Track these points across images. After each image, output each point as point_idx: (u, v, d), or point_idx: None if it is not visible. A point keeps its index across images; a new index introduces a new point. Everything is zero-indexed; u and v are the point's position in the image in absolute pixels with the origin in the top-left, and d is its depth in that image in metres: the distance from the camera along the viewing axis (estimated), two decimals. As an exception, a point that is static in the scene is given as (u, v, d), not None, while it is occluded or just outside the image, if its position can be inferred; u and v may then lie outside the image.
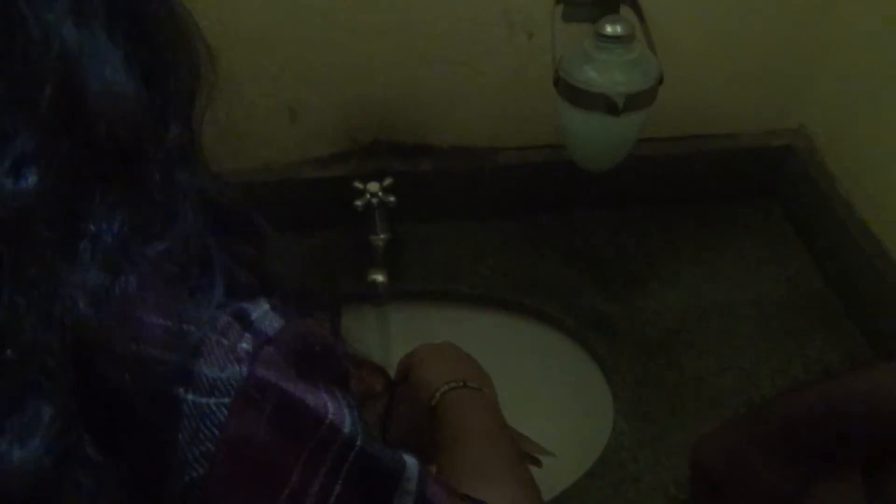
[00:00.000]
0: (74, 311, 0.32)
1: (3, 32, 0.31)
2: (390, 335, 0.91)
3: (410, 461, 0.44)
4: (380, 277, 0.86)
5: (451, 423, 0.66)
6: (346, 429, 0.40)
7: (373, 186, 0.91)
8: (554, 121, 0.86)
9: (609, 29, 0.76)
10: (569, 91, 0.78)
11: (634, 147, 0.85)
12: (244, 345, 0.37)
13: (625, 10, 0.84)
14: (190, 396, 0.35)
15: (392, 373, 0.75)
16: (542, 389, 0.88)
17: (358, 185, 0.91)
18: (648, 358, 0.86)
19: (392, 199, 0.91)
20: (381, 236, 0.94)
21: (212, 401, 0.36)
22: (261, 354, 0.37)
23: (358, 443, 0.40)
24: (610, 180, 0.93)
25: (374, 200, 0.91)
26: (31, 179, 0.32)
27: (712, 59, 0.95)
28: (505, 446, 0.64)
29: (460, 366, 0.72)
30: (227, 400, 0.36)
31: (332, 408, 0.39)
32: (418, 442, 0.72)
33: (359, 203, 0.91)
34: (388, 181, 0.92)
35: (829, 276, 0.94)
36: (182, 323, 0.35)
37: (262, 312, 0.39)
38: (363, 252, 0.94)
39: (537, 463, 0.74)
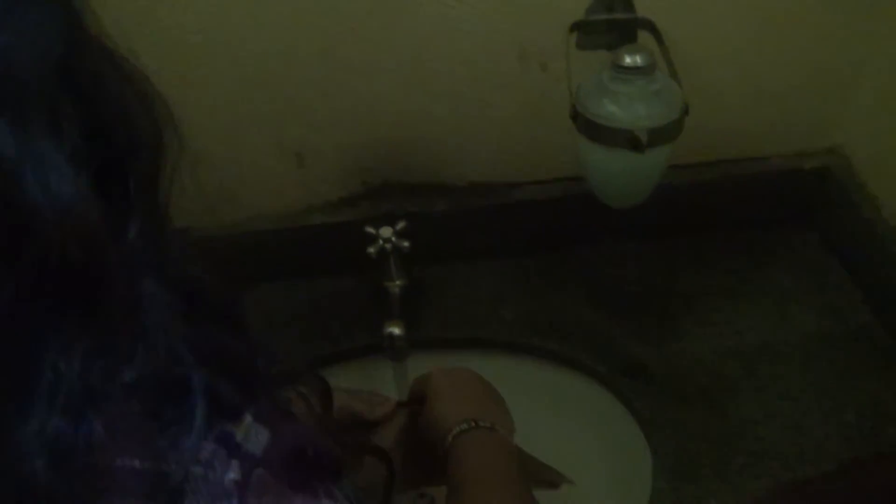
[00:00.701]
0: (30, 471, 0.28)
1: None
2: (408, 387, 0.86)
3: None
4: (396, 330, 0.81)
5: (461, 468, 0.62)
6: None
7: (385, 231, 0.86)
8: (574, 152, 0.81)
9: (628, 60, 0.70)
10: (588, 126, 0.73)
11: (659, 180, 0.79)
12: (231, 474, 0.33)
13: (643, 35, 0.79)
14: None
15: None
16: (572, 443, 0.82)
17: (370, 230, 0.87)
18: (688, 406, 0.80)
19: (406, 243, 0.87)
20: (397, 282, 0.89)
21: None
22: (251, 482, 0.33)
23: None
24: (635, 211, 0.86)
25: (388, 246, 0.87)
26: None
27: (737, 80, 0.89)
28: (518, 490, 0.60)
29: (473, 399, 0.68)
30: None
31: None
32: (428, 481, 0.69)
33: (372, 250, 0.86)
34: (401, 224, 0.87)
35: (878, 307, 0.88)
36: (160, 462, 0.31)
37: (245, 430, 0.35)
38: (378, 299, 0.89)
39: (554, 486, 0.70)
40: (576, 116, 0.74)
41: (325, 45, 0.82)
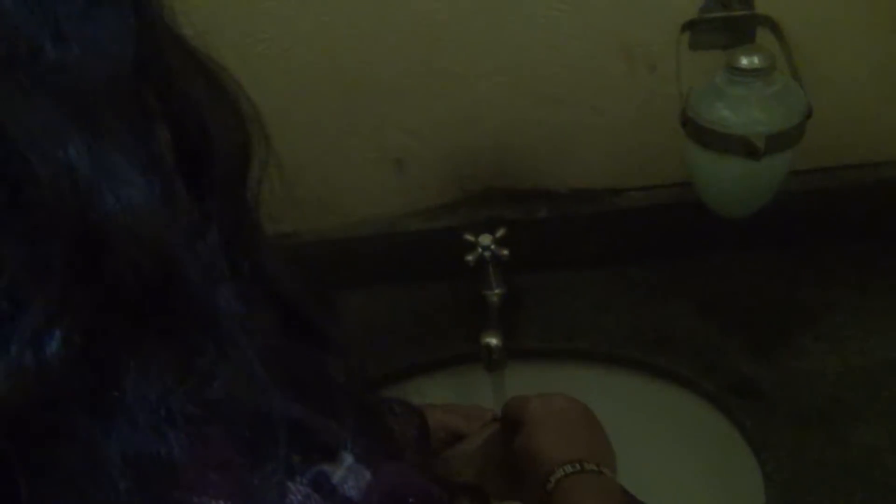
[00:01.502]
0: (113, 495, 0.27)
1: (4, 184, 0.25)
2: (506, 399, 0.84)
3: None
4: (494, 341, 0.80)
5: None
6: None
7: (485, 239, 0.85)
8: (682, 157, 0.77)
9: (745, 61, 0.66)
10: (699, 133, 0.69)
11: (778, 187, 0.74)
12: None
13: (762, 33, 0.74)
14: None
15: None
16: (676, 466, 0.78)
17: (469, 237, 0.86)
18: (805, 430, 0.74)
19: (506, 251, 0.85)
20: (496, 291, 0.88)
21: None
22: None
23: None
24: (751, 219, 0.81)
25: (487, 254, 0.85)
26: (54, 346, 0.26)
27: (867, 79, 0.83)
28: None
29: (577, 434, 0.61)
30: None
31: None
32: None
33: (470, 258, 0.85)
34: (500, 232, 0.85)
35: None
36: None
37: (344, 471, 0.33)
38: (476, 307, 0.88)
39: None
40: (686, 122, 0.70)
41: (426, 51, 0.82)
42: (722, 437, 0.78)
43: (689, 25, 0.74)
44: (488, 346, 0.80)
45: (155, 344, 0.29)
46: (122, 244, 0.28)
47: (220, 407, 0.30)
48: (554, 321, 0.89)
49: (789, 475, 0.71)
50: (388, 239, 0.92)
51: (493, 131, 0.88)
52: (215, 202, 0.32)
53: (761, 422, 0.76)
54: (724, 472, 0.77)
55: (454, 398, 0.87)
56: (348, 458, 0.33)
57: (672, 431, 0.82)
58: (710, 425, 0.79)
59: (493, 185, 0.91)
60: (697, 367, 0.82)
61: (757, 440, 0.74)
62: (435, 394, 0.86)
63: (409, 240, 0.92)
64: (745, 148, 0.66)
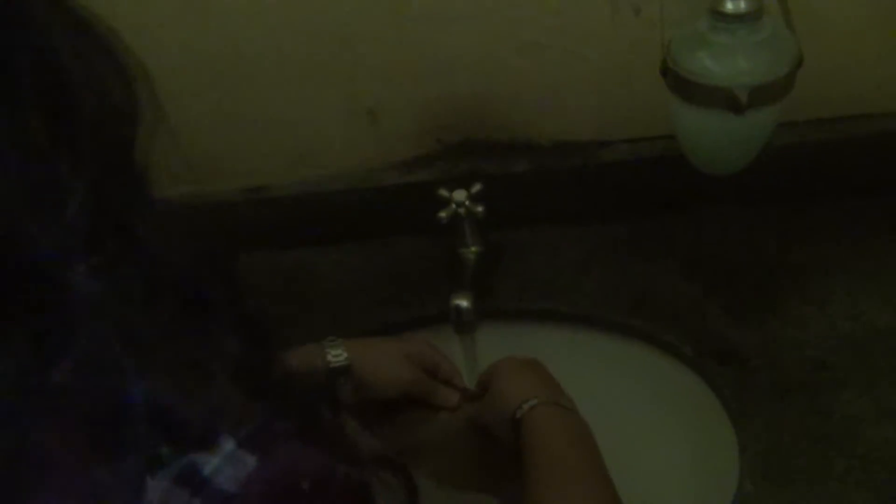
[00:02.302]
0: None
1: None
2: (477, 361, 0.82)
3: None
4: (464, 303, 0.77)
5: (541, 446, 0.56)
6: None
7: (459, 195, 0.81)
8: (668, 111, 0.72)
9: (730, 6, 0.61)
10: (680, 84, 0.64)
11: (765, 143, 0.70)
12: None
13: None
14: None
15: None
16: (651, 432, 0.76)
17: (443, 193, 0.82)
18: (786, 398, 0.71)
19: (480, 208, 0.81)
20: (472, 249, 0.85)
21: None
22: None
23: None
24: (739, 173, 0.77)
25: (462, 210, 0.81)
26: None
27: (868, 22, 0.77)
28: (606, 488, 0.53)
29: (552, 384, 0.62)
30: None
31: None
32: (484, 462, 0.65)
33: (443, 214, 0.81)
34: (476, 188, 0.81)
35: None
36: None
37: (221, 460, 0.30)
38: (453, 265, 0.85)
39: None
40: (666, 72, 0.65)
41: (395, -7, 0.77)
42: (700, 404, 0.75)
43: (676, -35, 0.69)
44: (458, 307, 0.77)
45: None
46: None
47: (67, 394, 0.27)
48: (532, 280, 0.85)
49: (766, 445, 0.68)
50: (361, 193, 0.88)
51: (470, 80, 0.83)
52: (83, 170, 0.29)
53: (741, 389, 0.73)
54: (701, 441, 0.75)
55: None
56: (228, 445, 0.30)
57: (649, 397, 0.79)
58: (689, 391, 0.76)
59: (470, 136, 0.87)
60: (678, 330, 0.79)
61: (735, 408, 0.71)
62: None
63: (383, 194, 0.88)
64: (728, 101, 0.61)
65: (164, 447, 0.29)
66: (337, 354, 0.64)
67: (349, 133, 0.87)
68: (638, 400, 0.78)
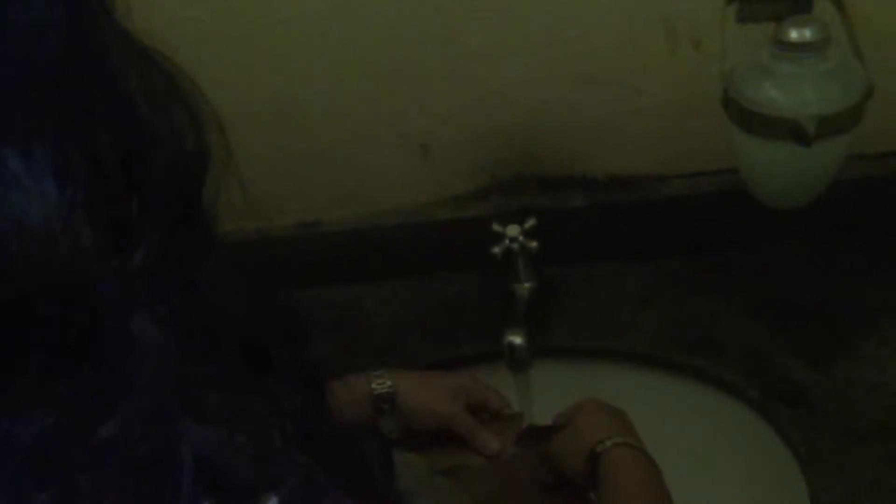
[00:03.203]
0: None
1: None
2: (532, 402, 0.79)
3: None
4: (517, 339, 0.75)
5: (618, 482, 0.59)
6: None
7: (512, 230, 0.80)
8: (730, 144, 0.70)
9: (794, 34, 0.59)
10: (743, 115, 0.62)
11: (838, 172, 0.67)
12: None
13: (820, 4, 0.66)
14: None
15: None
16: (714, 479, 0.72)
17: (497, 228, 0.80)
18: (861, 445, 0.67)
19: (534, 243, 0.80)
20: (526, 285, 0.83)
21: None
22: None
23: None
24: (807, 208, 0.74)
25: (515, 246, 0.80)
26: None
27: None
28: None
29: (634, 432, 0.64)
30: None
31: None
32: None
33: (497, 250, 0.80)
34: (529, 223, 0.80)
35: None
36: None
37: None
38: (506, 301, 0.83)
39: None
40: (728, 103, 0.63)
41: (449, 29, 0.77)
42: (767, 449, 0.71)
43: (737, -5, 0.67)
44: (511, 344, 0.75)
45: (38, 371, 0.25)
46: (6, 257, 0.24)
47: (113, 447, 0.26)
48: (588, 318, 0.83)
49: (839, 497, 0.64)
50: (414, 229, 0.88)
51: (524, 114, 0.82)
52: (154, 215, 0.28)
53: (811, 434, 0.69)
54: (768, 489, 0.71)
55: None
56: (271, 502, 0.28)
57: (711, 441, 0.75)
58: (755, 436, 0.72)
59: (524, 171, 0.86)
60: (743, 371, 0.75)
61: (805, 455, 0.68)
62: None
63: (435, 230, 0.88)
64: (794, 132, 0.59)
65: (206, 502, 0.27)
66: (381, 382, 0.67)
67: (402, 168, 0.87)
68: (700, 444, 0.74)
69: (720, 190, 0.82)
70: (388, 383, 0.67)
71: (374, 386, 0.67)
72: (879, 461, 0.66)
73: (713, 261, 0.85)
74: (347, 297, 0.91)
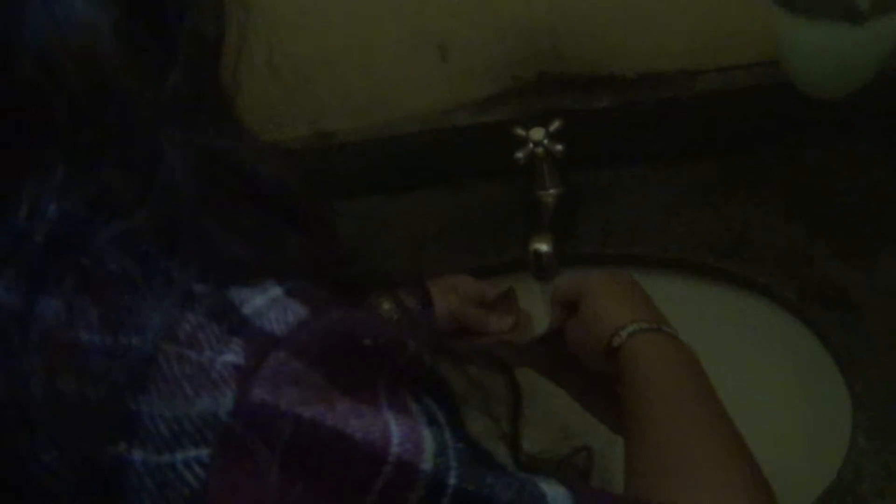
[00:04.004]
0: None
1: None
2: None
3: (556, 493, 0.30)
4: (543, 247, 0.72)
5: (644, 378, 0.48)
6: (427, 463, 0.27)
7: (536, 133, 0.76)
8: (768, 30, 0.65)
9: None
10: (787, -7, 0.57)
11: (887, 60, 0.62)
12: (229, 356, 0.25)
13: None
14: (138, 456, 0.24)
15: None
16: (752, 385, 0.70)
17: (520, 131, 0.77)
18: (904, 347, 0.65)
19: (560, 146, 0.76)
20: (551, 191, 0.80)
21: (177, 457, 0.24)
22: (262, 368, 0.25)
23: (451, 480, 0.27)
24: (849, 101, 0.69)
25: (539, 150, 0.76)
26: None
27: None
28: (726, 428, 0.45)
29: (651, 306, 0.55)
30: (202, 452, 0.24)
31: (399, 433, 0.27)
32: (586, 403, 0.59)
33: (520, 154, 0.76)
34: (555, 125, 0.76)
35: None
36: (119, 334, 0.25)
37: (265, 301, 0.27)
38: (531, 209, 0.80)
39: None
40: (771, -19, 0.58)
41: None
42: (805, 353, 0.69)
43: None
44: (537, 251, 0.72)
45: (74, 161, 0.26)
46: (43, 43, 0.25)
47: (122, 239, 0.26)
48: (616, 224, 0.80)
49: (882, 398, 0.62)
50: (433, 136, 0.84)
51: (547, 8, 0.77)
52: (178, 45, 0.29)
53: (851, 335, 0.66)
54: (808, 393, 0.69)
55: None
56: (275, 290, 0.27)
57: (748, 346, 0.73)
58: (792, 340, 0.70)
59: (547, 70, 0.81)
60: (779, 273, 0.72)
61: (845, 356, 0.65)
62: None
63: (456, 136, 0.84)
64: (845, 10, 0.54)
65: (199, 284, 0.26)
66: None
67: (418, 72, 0.82)
68: (736, 350, 0.72)
69: (755, 84, 0.78)
70: (386, 306, 0.64)
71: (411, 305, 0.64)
72: (924, 361, 0.63)
73: (747, 162, 0.81)
74: (364, 210, 0.88)
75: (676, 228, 0.78)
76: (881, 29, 0.55)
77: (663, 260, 0.77)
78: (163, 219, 0.26)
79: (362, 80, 0.83)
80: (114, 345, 0.25)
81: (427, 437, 0.27)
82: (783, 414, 0.70)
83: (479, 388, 0.39)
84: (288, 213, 0.31)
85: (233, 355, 0.25)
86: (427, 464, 0.27)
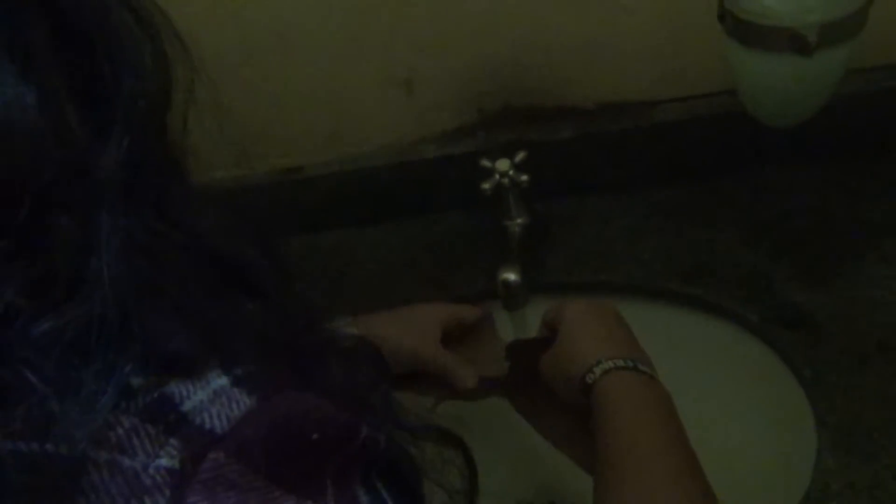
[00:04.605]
0: None
1: None
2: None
3: None
4: (512, 276, 0.73)
5: (613, 426, 0.48)
6: None
7: (502, 165, 0.77)
8: (724, 61, 0.67)
9: (793, -64, 0.55)
10: (740, 28, 0.59)
11: (835, 89, 0.64)
12: (163, 460, 0.24)
13: None
14: None
15: None
16: (719, 407, 0.71)
17: (486, 163, 0.78)
18: (864, 367, 0.66)
19: (525, 177, 0.77)
20: (518, 221, 0.81)
21: None
22: (198, 472, 0.24)
23: None
24: (802, 129, 0.71)
25: (505, 181, 0.77)
26: None
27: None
28: (692, 482, 0.45)
29: (628, 338, 0.55)
30: None
31: None
32: (556, 433, 0.58)
33: (487, 186, 0.77)
34: (520, 156, 0.77)
35: None
36: (46, 444, 0.23)
37: (208, 395, 0.26)
38: (498, 238, 0.81)
39: None
40: (724, 15, 0.60)
41: (427, -47, 0.73)
42: (770, 374, 0.70)
43: None
44: (506, 281, 0.73)
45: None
46: None
47: (51, 337, 0.24)
48: (583, 251, 0.81)
49: (845, 417, 0.63)
50: (401, 168, 0.85)
51: (509, 42, 0.79)
52: (124, 123, 0.27)
53: (813, 356, 0.68)
54: (773, 413, 0.70)
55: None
56: (220, 380, 0.26)
57: (714, 370, 0.74)
58: (757, 362, 0.71)
59: (512, 103, 0.83)
60: (742, 296, 0.74)
61: (808, 377, 0.66)
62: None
63: (423, 168, 0.85)
64: (794, 42, 0.56)
65: (137, 377, 0.25)
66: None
67: (386, 106, 0.83)
68: (703, 373, 0.73)
69: (713, 113, 0.80)
70: (354, 332, 0.62)
71: None
72: (882, 379, 0.65)
73: (708, 188, 0.83)
74: (334, 244, 0.89)
75: (641, 255, 0.79)
76: (829, 60, 0.58)
77: (629, 286, 0.78)
78: (97, 314, 0.25)
79: (330, 115, 0.84)
80: (40, 454, 0.23)
81: None
82: (750, 435, 0.71)
83: (434, 463, 0.38)
84: (244, 280, 0.30)
85: (167, 459, 0.24)
86: None
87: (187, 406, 0.25)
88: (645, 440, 0.47)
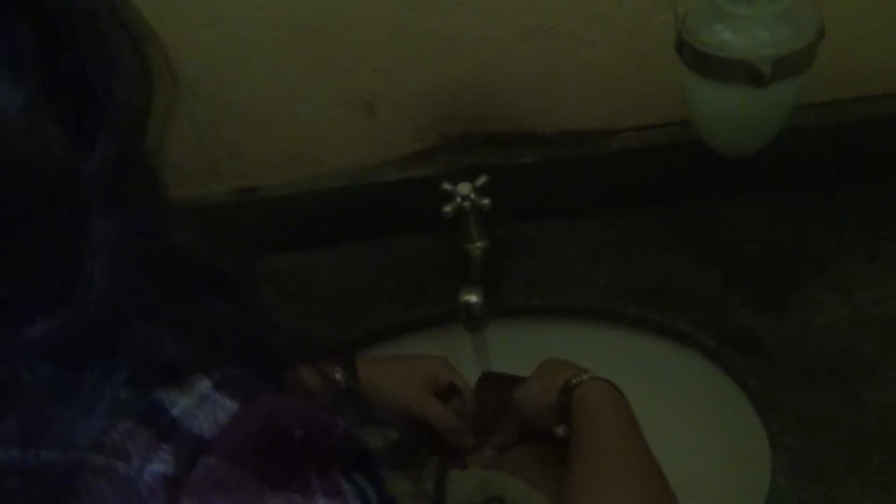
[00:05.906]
0: None
1: None
2: (490, 361, 0.78)
3: None
4: (473, 298, 0.73)
5: (592, 418, 0.59)
6: None
7: (463, 188, 0.78)
8: (679, 92, 0.69)
9: (748, -26, 0.58)
10: (697, 59, 0.61)
11: (788, 120, 0.66)
12: (157, 465, 0.24)
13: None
14: None
15: None
16: (675, 429, 0.72)
17: (447, 186, 0.78)
18: (815, 389, 0.68)
19: (486, 201, 0.78)
20: (478, 244, 0.81)
21: None
22: (191, 476, 0.24)
23: None
24: (755, 159, 0.74)
25: (466, 204, 0.78)
26: None
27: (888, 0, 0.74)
28: (665, 480, 0.54)
29: (573, 367, 0.66)
30: None
31: None
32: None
33: (448, 209, 0.77)
34: (481, 180, 0.78)
35: None
36: (41, 450, 0.23)
37: (193, 401, 0.26)
38: (458, 261, 0.81)
39: None
40: (682, 47, 0.62)
41: (393, -22, 0.74)
42: (724, 396, 0.71)
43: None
44: (467, 303, 0.73)
45: None
46: None
47: (43, 341, 0.24)
48: (542, 275, 0.82)
49: (797, 438, 0.65)
50: (361, 191, 0.85)
51: (471, 69, 0.80)
52: (104, 124, 0.27)
53: (766, 380, 0.69)
54: (728, 436, 0.71)
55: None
56: (203, 385, 0.26)
57: (670, 392, 0.75)
58: (712, 385, 0.73)
59: (472, 128, 0.84)
60: (697, 321, 0.75)
61: (762, 400, 0.68)
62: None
63: (383, 191, 0.85)
64: (749, 74, 0.58)
65: (126, 390, 0.25)
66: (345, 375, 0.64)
67: (346, 129, 0.83)
68: (658, 396, 0.74)
69: (669, 143, 0.82)
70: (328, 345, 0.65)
71: (338, 377, 0.63)
72: (833, 402, 0.67)
73: (663, 215, 0.85)
74: (294, 265, 0.88)
75: (598, 279, 0.81)
76: (781, 93, 0.60)
77: (588, 309, 0.79)
78: (89, 318, 0.25)
79: (290, 136, 0.84)
80: (34, 461, 0.23)
81: None
82: (705, 457, 0.72)
83: (401, 451, 0.40)
84: (219, 286, 0.31)
85: (161, 464, 0.24)
86: None
87: (177, 411, 0.25)
88: (622, 439, 0.56)
